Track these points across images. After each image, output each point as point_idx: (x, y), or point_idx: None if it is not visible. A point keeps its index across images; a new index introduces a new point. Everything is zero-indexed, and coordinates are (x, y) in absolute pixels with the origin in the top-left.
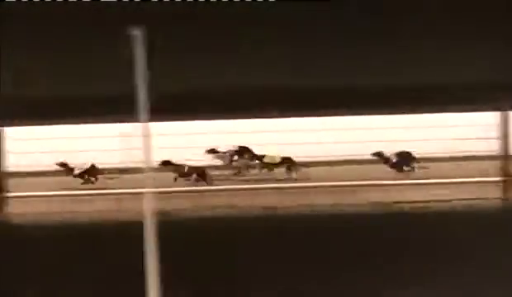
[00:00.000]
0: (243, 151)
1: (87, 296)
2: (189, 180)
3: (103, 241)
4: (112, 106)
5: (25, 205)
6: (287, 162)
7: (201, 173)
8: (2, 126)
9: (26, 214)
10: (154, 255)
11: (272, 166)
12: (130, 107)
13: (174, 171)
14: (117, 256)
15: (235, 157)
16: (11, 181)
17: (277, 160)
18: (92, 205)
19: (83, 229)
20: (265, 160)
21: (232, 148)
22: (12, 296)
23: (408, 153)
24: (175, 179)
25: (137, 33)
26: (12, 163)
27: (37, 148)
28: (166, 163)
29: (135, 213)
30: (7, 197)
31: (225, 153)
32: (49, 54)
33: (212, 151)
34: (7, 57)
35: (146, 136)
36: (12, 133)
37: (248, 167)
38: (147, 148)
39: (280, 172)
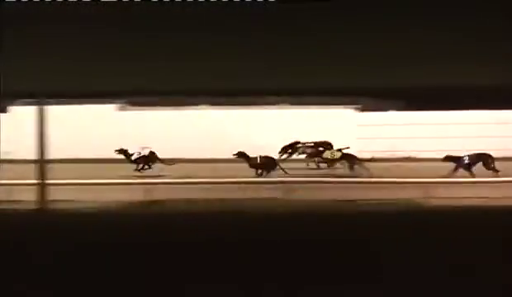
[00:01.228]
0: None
1: None
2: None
3: None
4: None
5: None
6: (347, 158)
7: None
8: None
9: None
10: None
11: (331, 161)
12: None
13: (247, 162)
14: None
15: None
16: None
17: (337, 156)
18: None
19: None
20: (325, 156)
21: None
22: None
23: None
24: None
25: None
26: None
27: None
28: (241, 155)
29: None
30: None
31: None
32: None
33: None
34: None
35: None
36: None
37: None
38: None
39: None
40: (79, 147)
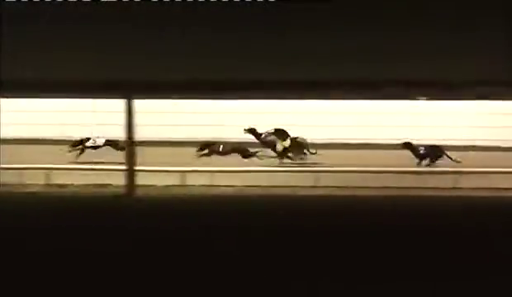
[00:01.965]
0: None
1: None
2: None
3: None
4: None
5: None
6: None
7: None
8: None
9: None
10: None
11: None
12: None
13: (209, 149)
14: None
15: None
16: None
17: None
18: None
19: None
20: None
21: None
22: None
23: (436, 145)
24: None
25: None
26: None
27: None
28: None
29: None
30: None
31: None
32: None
33: (251, 131)
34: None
35: None
36: None
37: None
38: None
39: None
40: None
